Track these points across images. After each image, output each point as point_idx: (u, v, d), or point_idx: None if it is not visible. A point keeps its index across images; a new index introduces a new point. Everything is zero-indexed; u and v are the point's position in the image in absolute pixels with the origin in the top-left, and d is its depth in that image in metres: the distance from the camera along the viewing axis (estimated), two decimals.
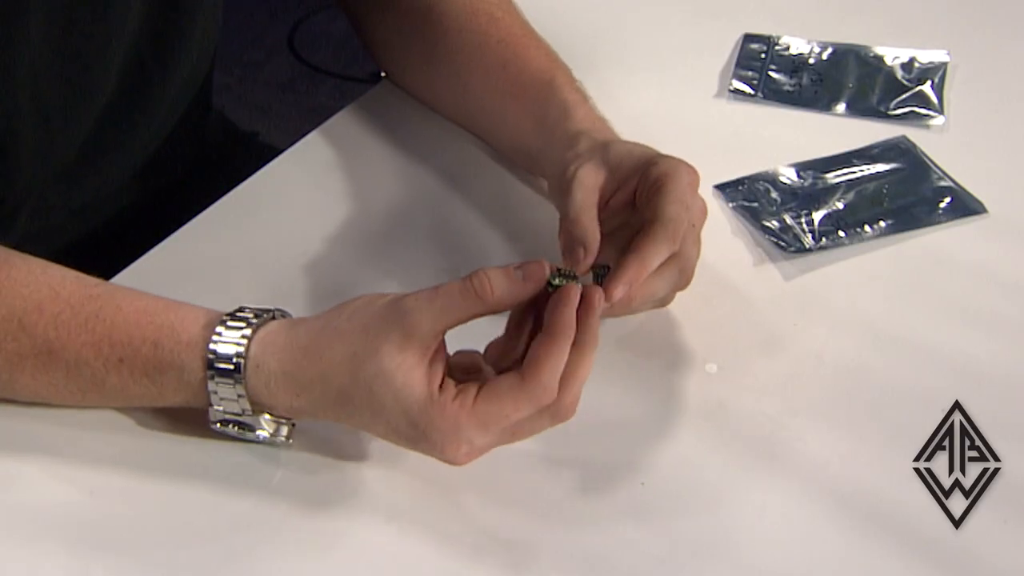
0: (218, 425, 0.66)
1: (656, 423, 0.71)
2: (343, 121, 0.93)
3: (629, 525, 0.66)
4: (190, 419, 0.68)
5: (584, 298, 0.62)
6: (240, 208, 0.85)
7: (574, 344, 0.61)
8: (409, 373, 0.61)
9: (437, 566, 0.64)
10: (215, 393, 0.64)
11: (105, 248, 0.76)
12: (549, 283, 0.63)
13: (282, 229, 0.84)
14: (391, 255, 0.82)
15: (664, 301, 0.75)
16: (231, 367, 0.63)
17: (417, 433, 0.61)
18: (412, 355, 0.61)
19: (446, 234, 0.84)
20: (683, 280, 0.72)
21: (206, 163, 0.97)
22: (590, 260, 0.69)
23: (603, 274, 0.69)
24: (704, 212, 0.73)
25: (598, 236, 0.70)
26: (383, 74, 0.97)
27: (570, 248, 0.70)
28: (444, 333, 0.63)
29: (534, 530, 0.65)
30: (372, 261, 0.81)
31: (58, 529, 0.64)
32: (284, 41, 2.42)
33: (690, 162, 0.74)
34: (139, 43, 0.80)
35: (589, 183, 0.72)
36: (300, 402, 0.64)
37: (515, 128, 0.84)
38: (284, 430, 0.66)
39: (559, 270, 0.63)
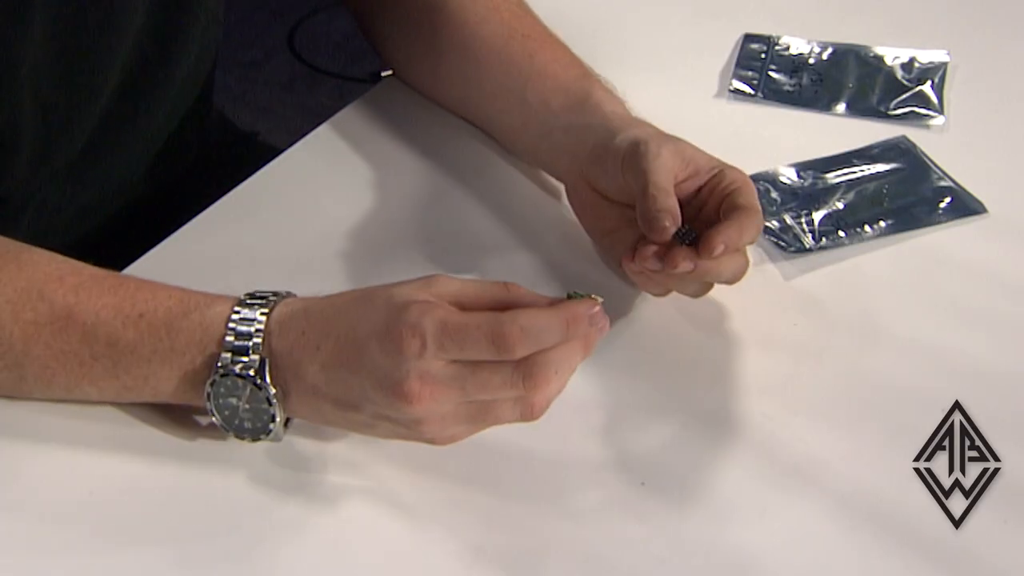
0: (217, 376, 0.64)
1: (656, 423, 0.71)
2: (343, 121, 0.93)
3: (629, 525, 0.66)
4: (191, 417, 0.69)
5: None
6: (240, 208, 0.85)
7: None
8: (414, 293, 0.63)
9: (437, 566, 0.64)
10: (233, 325, 0.64)
11: (105, 248, 0.76)
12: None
13: (282, 229, 0.84)
14: (392, 255, 0.82)
15: (703, 290, 0.76)
16: (262, 302, 0.65)
17: (389, 320, 0.61)
18: (425, 293, 0.63)
19: (447, 234, 0.84)
20: (738, 274, 0.74)
21: (206, 163, 0.97)
22: (673, 230, 0.71)
23: (687, 236, 0.72)
24: None
25: (679, 209, 0.72)
26: (384, 73, 0.97)
27: (654, 217, 0.71)
28: (459, 304, 0.63)
29: (534, 530, 0.65)
30: (373, 261, 0.81)
31: (59, 529, 0.64)
32: (284, 41, 2.42)
33: None
34: (142, 42, 0.80)
35: (668, 163, 0.74)
36: (299, 348, 0.64)
37: (538, 107, 0.84)
38: (276, 399, 0.65)
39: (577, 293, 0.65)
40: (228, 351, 0.64)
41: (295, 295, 0.68)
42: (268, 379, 0.64)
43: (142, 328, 0.65)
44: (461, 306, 0.63)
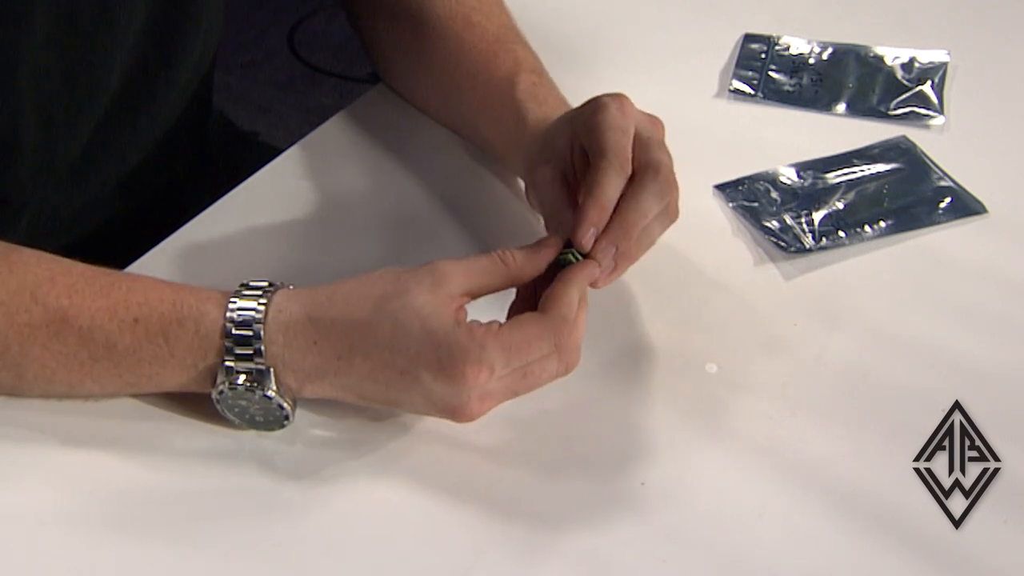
0: (224, 387, 0.65)
1: (656, 423, 0.71)
2: (343, 121, 0.93)
3: (629, 525, 0.66)
4: (192, 415, 0.69)
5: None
6: (240, 208, 0.85)
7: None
8: (437, 307, 0.64)
9: (437, 566, 0.64)
10: (230, 338, 0.65)
11: (105, 248, 0.76)
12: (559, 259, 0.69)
13: (282, 229, 0.84)
14: (391, 255, 0.82)
15: (669, 215, 0.72)
16: (253, 307, 0.65)
17: (441, 354, 0.62)
18: (441, 298, 0.64)
19: (446, 234, 0.84)
20: (669, 188, 0.71)
21: (206, 163, 0.97)
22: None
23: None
24: (658, 122, 0.74)
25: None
26: None
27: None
28: (470, 296, 0.66)
29: (534, 530, 0.65)
30: (372, 261, 0.81)
31: (59, 529, 0.64)
32: (284, 41, 2.41)
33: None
34: (142, 43, 0.80)
35: (547, 179, 0.74)
36: (313, 356, 0.65)
37: (487, 140, 0.86)
38: (287, 402, 0.66)
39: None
40: (231, 358, 0.65)
41: (287, 287, 0.68)
42: (275, 386, 0.65)
43: (139, 334, 0.65)
44: (472, 296, 0.66)
